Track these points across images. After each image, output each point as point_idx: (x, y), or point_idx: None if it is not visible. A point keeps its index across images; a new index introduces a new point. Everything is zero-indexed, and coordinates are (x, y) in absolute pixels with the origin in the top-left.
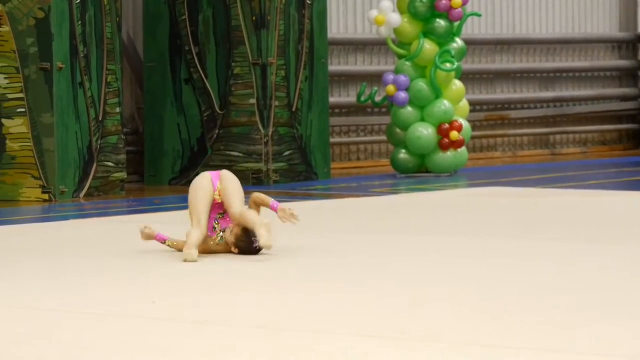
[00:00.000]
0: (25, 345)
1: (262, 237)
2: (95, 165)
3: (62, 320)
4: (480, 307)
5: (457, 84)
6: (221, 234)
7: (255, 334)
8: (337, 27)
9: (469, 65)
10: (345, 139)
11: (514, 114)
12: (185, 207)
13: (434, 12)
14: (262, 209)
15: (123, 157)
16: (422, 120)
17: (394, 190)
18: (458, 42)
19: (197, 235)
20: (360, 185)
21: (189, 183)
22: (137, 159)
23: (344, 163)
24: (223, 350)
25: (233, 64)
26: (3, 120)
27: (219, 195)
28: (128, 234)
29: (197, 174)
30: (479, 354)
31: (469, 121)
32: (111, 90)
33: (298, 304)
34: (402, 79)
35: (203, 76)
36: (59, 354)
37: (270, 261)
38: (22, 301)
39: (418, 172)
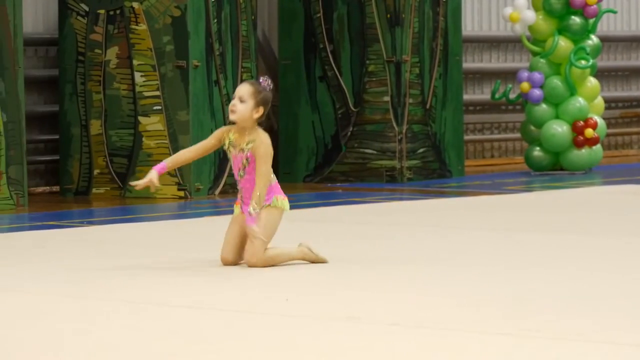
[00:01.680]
0: (157, 341)
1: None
2: (229, 162)
3: (192, 317)
4: (617, 305)
5: (592, 81)
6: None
7: (390, 331)
8: (472, 24)
9: (604, 62)
10: (479, 136)
11: None
12: (321, 205)
13: (569, 9)
14: None
15: None
16: (557, 117)
17: (528, 187)
18: (593, 39)
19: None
20: (494, 183)
21: (323, 180)
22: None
23: (478, 160)
24: (358, 347)
25: (367, 62)
26: (139, 118)
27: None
28: None
29: (332, 171)
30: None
31: (604, 118)
32: None
33: (431, 301)
34: (537, 76)
35: (337, 74)
36: (190, 351)
37: (401, 258)
38: (154, 298)
39: (552, 169)
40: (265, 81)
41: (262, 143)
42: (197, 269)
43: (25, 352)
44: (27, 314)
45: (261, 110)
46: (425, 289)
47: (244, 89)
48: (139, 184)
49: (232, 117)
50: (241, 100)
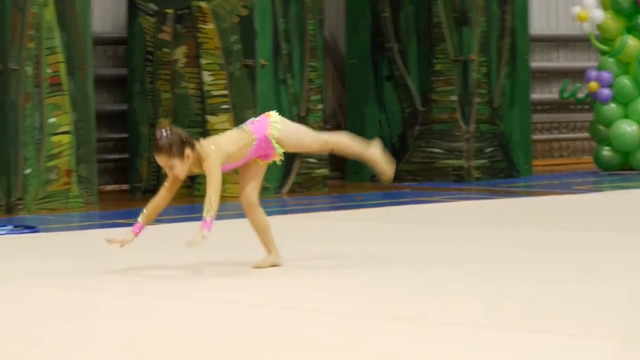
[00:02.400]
0: (219, 339)
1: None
2: (297, 161)
3: (254, 315)
4: None
5: None
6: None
7: (451, 331)
8: (539, 23)
9: None
10: (547, 136)
11: None
12: (388, 204)
13: (638, 7)
14: None
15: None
16: (626, 116)
17: (597, 187)
18: None
19: None
20: (562, 183)
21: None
22: (340, 156)
23: (546, 160)
24: (418, 347)
25: (434, 61)
26: (207, 117)
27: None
28: (329, 230)
29: (399, 171)
30: None
31: None
32: (313, 87)
33: (494, 300)
34: (605, 75)
35: (404, 73)
36: (255, 347)
37: (468, 257)
38: (221, 296)
39: (621, 169)
40: (161, 132)
41: (206, 160)
42: (263, 268)
43: (90, 350)
44: (94, 311)
45: (187, 151)
46: (490, 288)
47: (162, 161)
48: (113, 241)
49: (180, 179)
50: (171, 168)
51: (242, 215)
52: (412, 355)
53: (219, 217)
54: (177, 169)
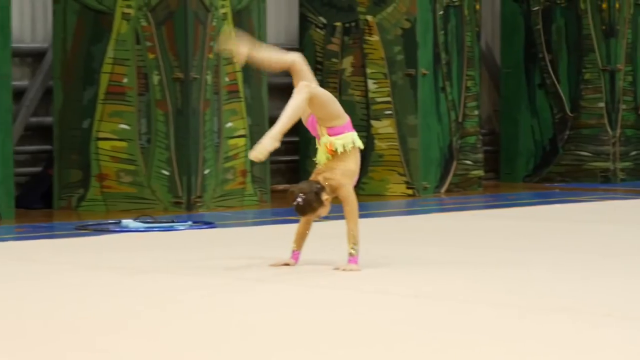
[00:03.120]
0: (384, 328)
1: None
2: (455, 163)
3: (418, 306)
4: None
5: None
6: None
7: (603, 323)
8: None
9: None
10: None
11: None
12: (539, 203)
13: None
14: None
15: (480, 155)
16: None
17: None
18: None
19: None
20: None
21: (541, 180)
22: (494, 158)
23: None
24: (571, 339)
25: (583, 70)
26: (372, 122)
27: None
28: (483, 228)
29: (550, 172)
30: None
31: None
32: (470, 94)
33: None
34: None
35: (555, 81)
36: (423, 337)
37: (618, 252)
38: (379, 287)
39: None
40: (297, 200)
41: (340, 190)
42: (421, 261)
43: (256, 338)
44: (262, 301)
45: (324, 197)
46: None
47: (310, 217)
48: (277, 265)
49: (325, 214)
50: (319, 215)
51: (404, 213)
52: (570, 345)
53: (382, 214)
54: (323, 213)
